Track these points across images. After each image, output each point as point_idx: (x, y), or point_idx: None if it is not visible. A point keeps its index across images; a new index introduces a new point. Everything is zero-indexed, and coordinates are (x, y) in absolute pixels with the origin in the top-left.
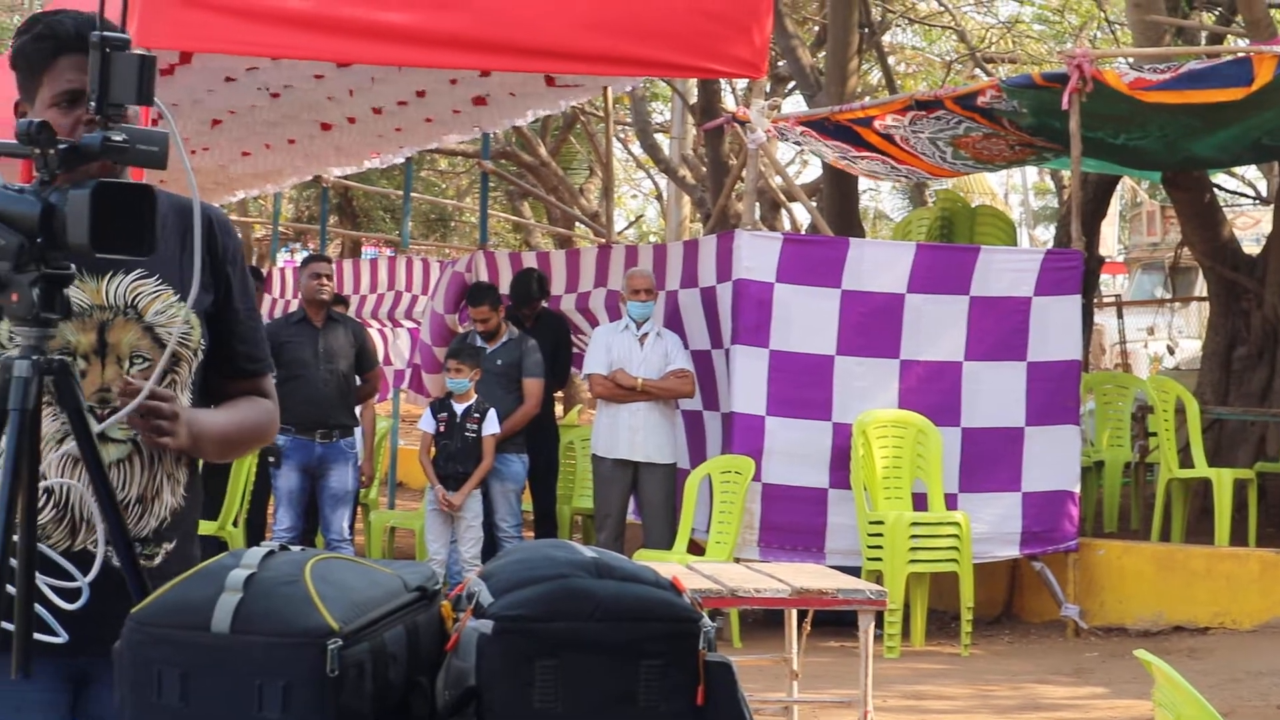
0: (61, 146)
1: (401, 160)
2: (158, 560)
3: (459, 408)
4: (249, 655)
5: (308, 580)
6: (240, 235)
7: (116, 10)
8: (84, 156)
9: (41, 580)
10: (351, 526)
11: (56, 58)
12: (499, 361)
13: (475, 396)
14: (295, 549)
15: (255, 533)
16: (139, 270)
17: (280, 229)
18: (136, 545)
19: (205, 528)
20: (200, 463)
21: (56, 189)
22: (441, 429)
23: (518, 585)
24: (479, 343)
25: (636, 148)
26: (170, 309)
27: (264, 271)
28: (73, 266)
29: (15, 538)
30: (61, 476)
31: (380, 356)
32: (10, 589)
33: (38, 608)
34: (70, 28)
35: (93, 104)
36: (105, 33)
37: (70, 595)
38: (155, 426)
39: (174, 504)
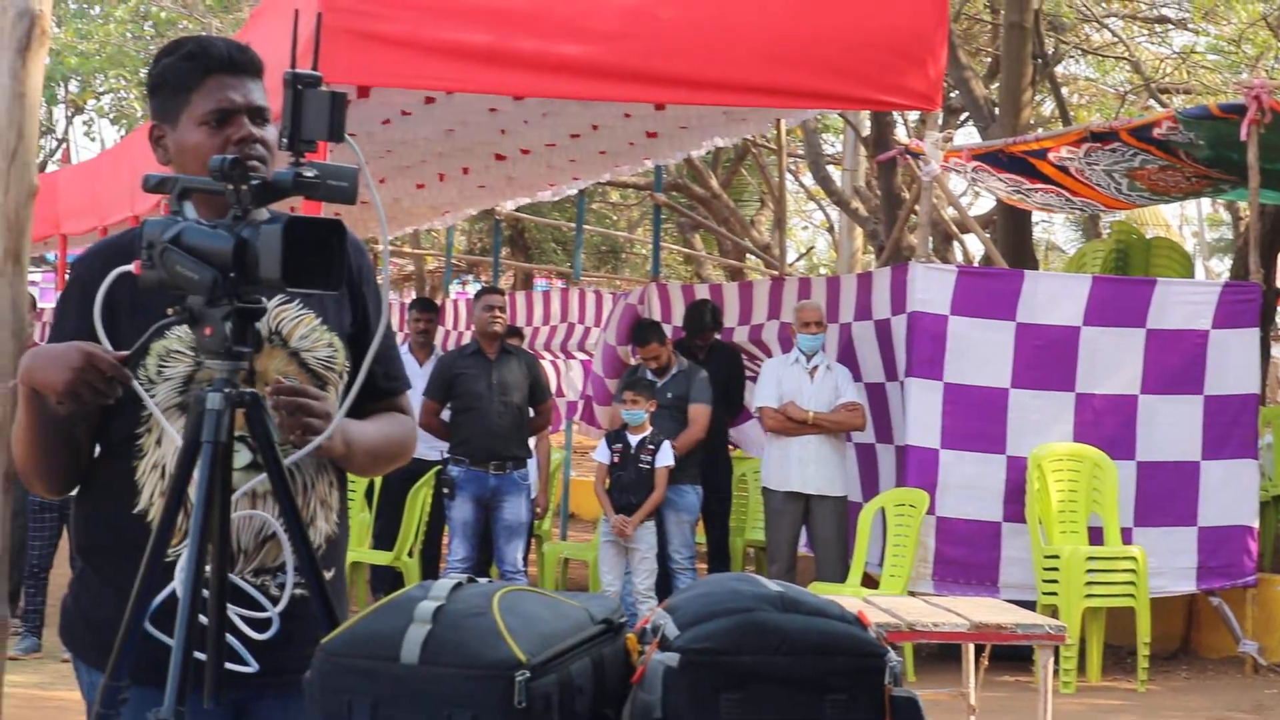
0: (254, 182)
1: (574, 192)
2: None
3: (634, 439)
4: (438, 687)
5: (496, 612)
6: (413, 267)
7: (308, 48)
8: (276, 192)
9: (232, 611)
10: (525, 558)
11: (207, 77)
12: (669, 394)
13: (650, 428)
14: (482, 581)
15: (430, 564)
16: (281, 296)
17: (453, 261)
18: (289, 572)
19: (380, 558)
20: (348, 487)
21: (249, 224)
22: (616, 460)
23: (703, 618)
24: (650, 375)
25: (808, 179)
26: (314, 334)
27: (437, 303)
28: (264, 300)
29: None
30: (267, 510)
31: (553, 388)
32: (204, 619)
33: (231, 638)
34: (222, 49)
35: (285, 140)
36: (297, 70)
37: (261, 625)
38: (307, 424)
39: (329, 530)
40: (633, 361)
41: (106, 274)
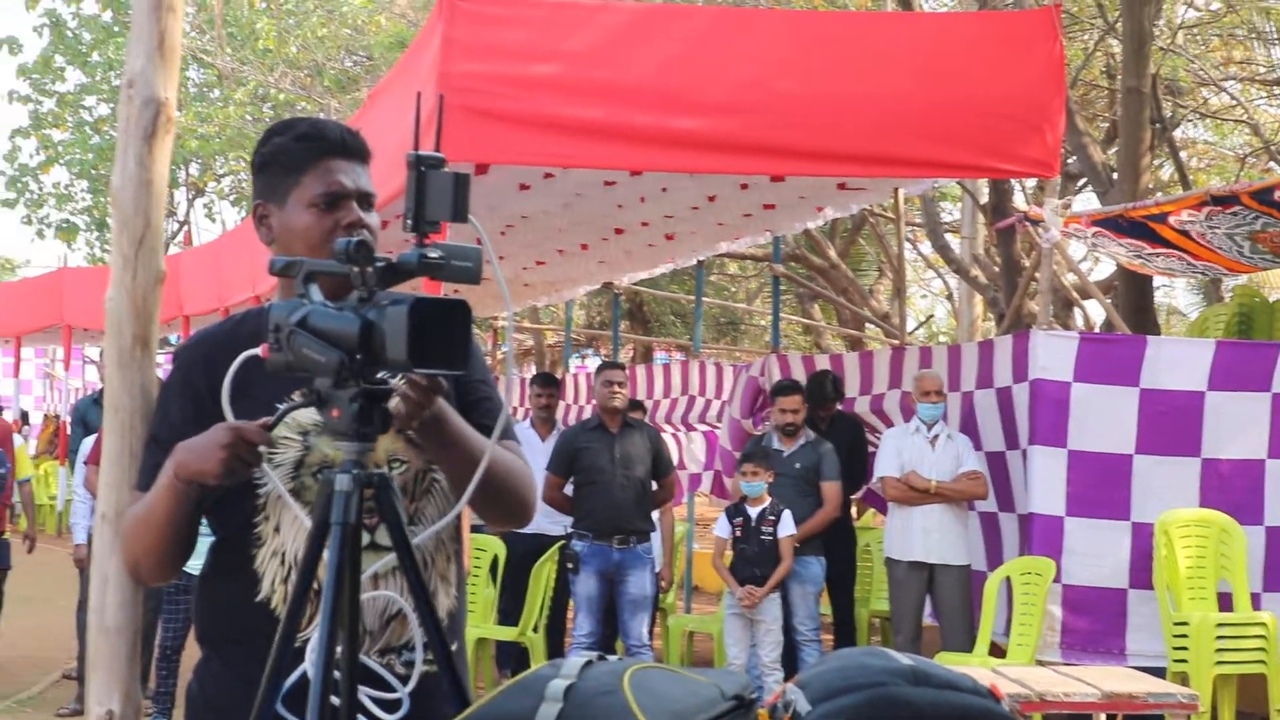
0: (379, 264)
1: (693, 264)
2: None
3: (753, 511)
4: None
5: (627, 690)
6: (533, 342)
7: (429, 128)
8: (401, 274)
9: (362, 692)
10: (650, 632)
11: (319, 159)
12: (797, 465)
13: (770, 499)
14: (612, 659)
15: (555, 639)
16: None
17: (572, 335)
18: (418, 650)
19: (505, 634)
20: (469, 563)
21: (375, 306)
22: (738, 533)
23: (835, 693)
24: (775, 445)
25: (926, 247)
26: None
27: (558, 376)
28: (391, 382)
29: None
30: (390, 589)
31: (675, 461)
32: (336, 700)
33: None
34: (335, 132)
35: (409, 222)
36: (420, 151)
37: (390, 706)
38: (418, 405)
39: (449, 605)
40: (755, 433)
41: (207, 365)
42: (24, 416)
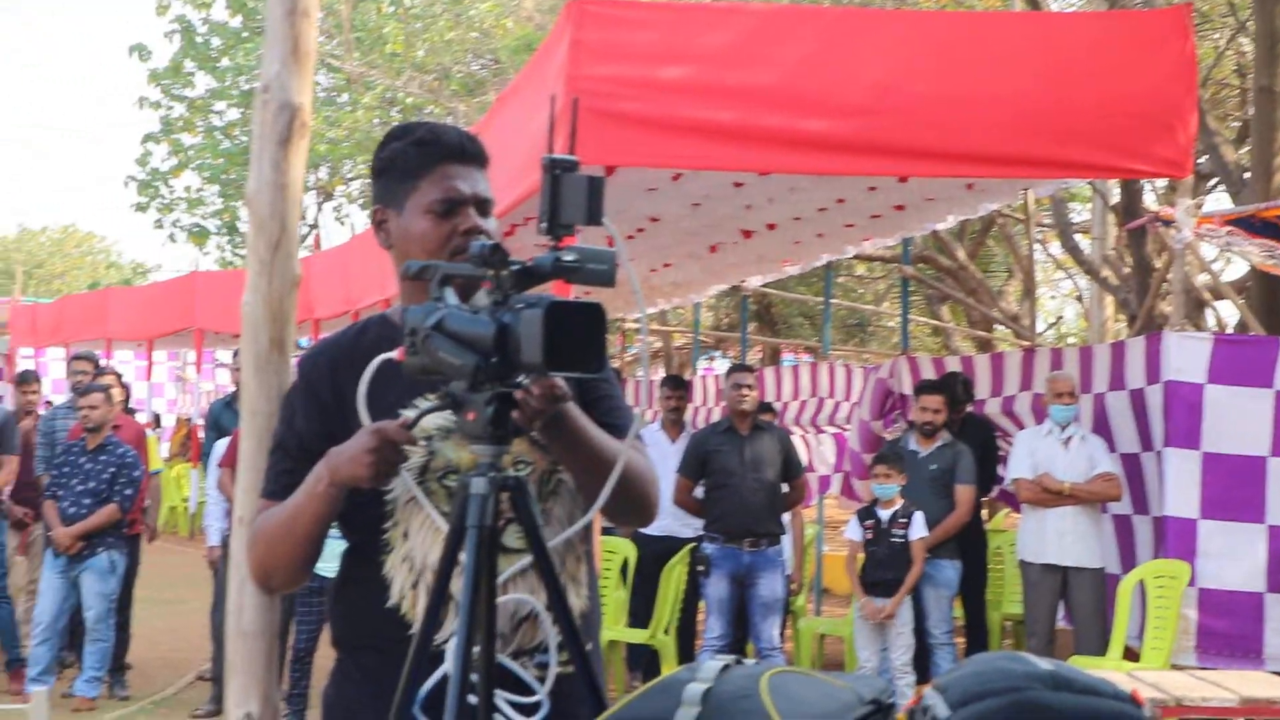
0: (514, 267)
1: (821, 265)
2: (572, 666)
3: (884, 514)
4: None
5: (764, 694)
6: (661, 344)
7: (564, 133)
8: (536, 277)
9: (500, 695)
10: (781, 634)
11: (437, 165)
12: (932, 466)
13: (901, 501)
14: (749, 662)
15: (685, 642)
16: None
17: (700, 337)
18: (552, 652)
19: (636, 636)
20: (600, 564)
21: (510, 309)
22: (869, 536)
23: (974, 698)
24: (912, 445)
25: (1055, 248)
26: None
27: (686, 378)
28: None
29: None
30: (519, 592)
31: (805, 463)
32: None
33: None
34: (454, 137)
35: (543, 225)
36: (554, 154)
37: (528, 710)
38: (537, 409)
39: (581, 606)
40: (886, 435)
41: (331, 372)
42: (156, 419)
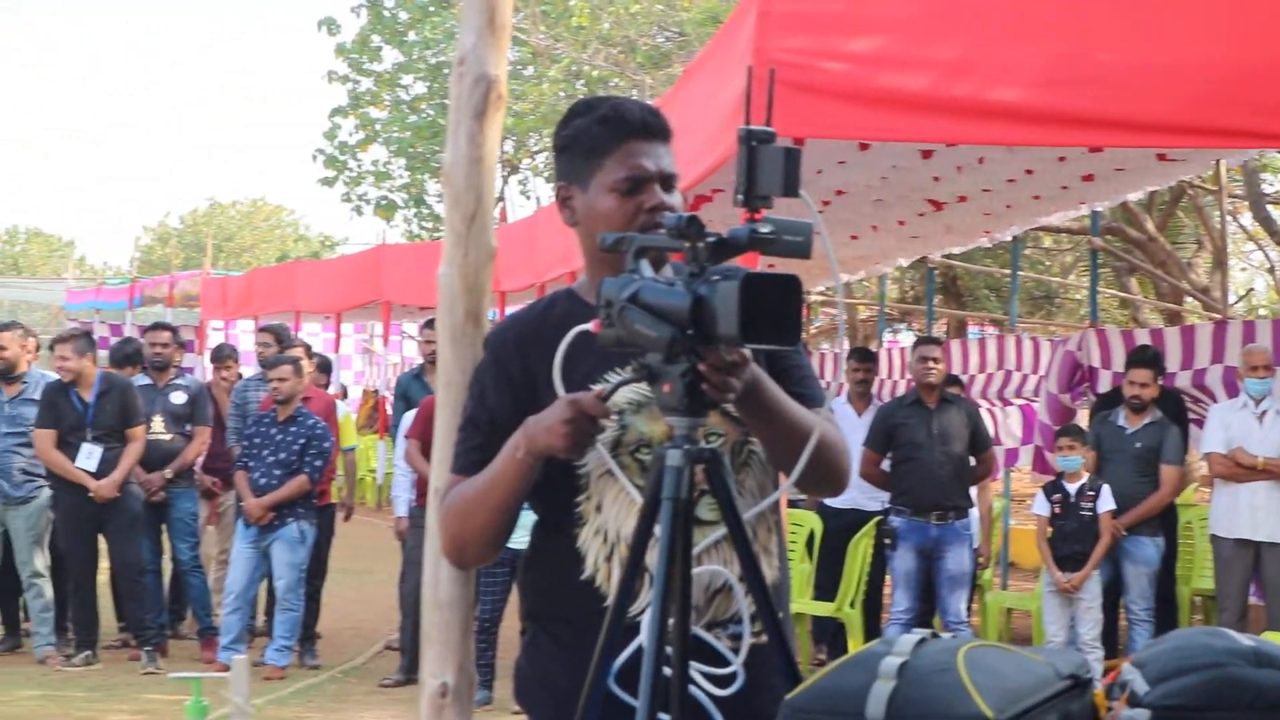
0: (710, 240)
1: (1009, 238)
2: (765, 636)
3: (1071, 487)
4: None
5: (961, 668)
6: (846, 316)
7: (760, 104)
8: (732, 249)
9: (695, 668)
10: (968, 609)
11: (621, 142)
12: (1138, 444)
13: (1087, 475)
14: (945, 636)
15: (872, 615)
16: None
17: (886, 310)
18: (745, 624)
19: (822, 609)
20: (787, 537)
21: (705, 281)
22: (1057, 510)
23: (1174, 674)
24: (1120, 421)
25: (1246, 219)
26: None
27: (872, 350)
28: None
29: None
30: (712, 563)
31: (992, 436)
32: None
33: (694, 692)
34: (637, 113)
35: (739, 197)
36: (751, 126)
37: (723, 681)
38: (720, 385)
39: (772, 576)
40: (1075, 407)
41: (519, 347)
42: (343, 391)
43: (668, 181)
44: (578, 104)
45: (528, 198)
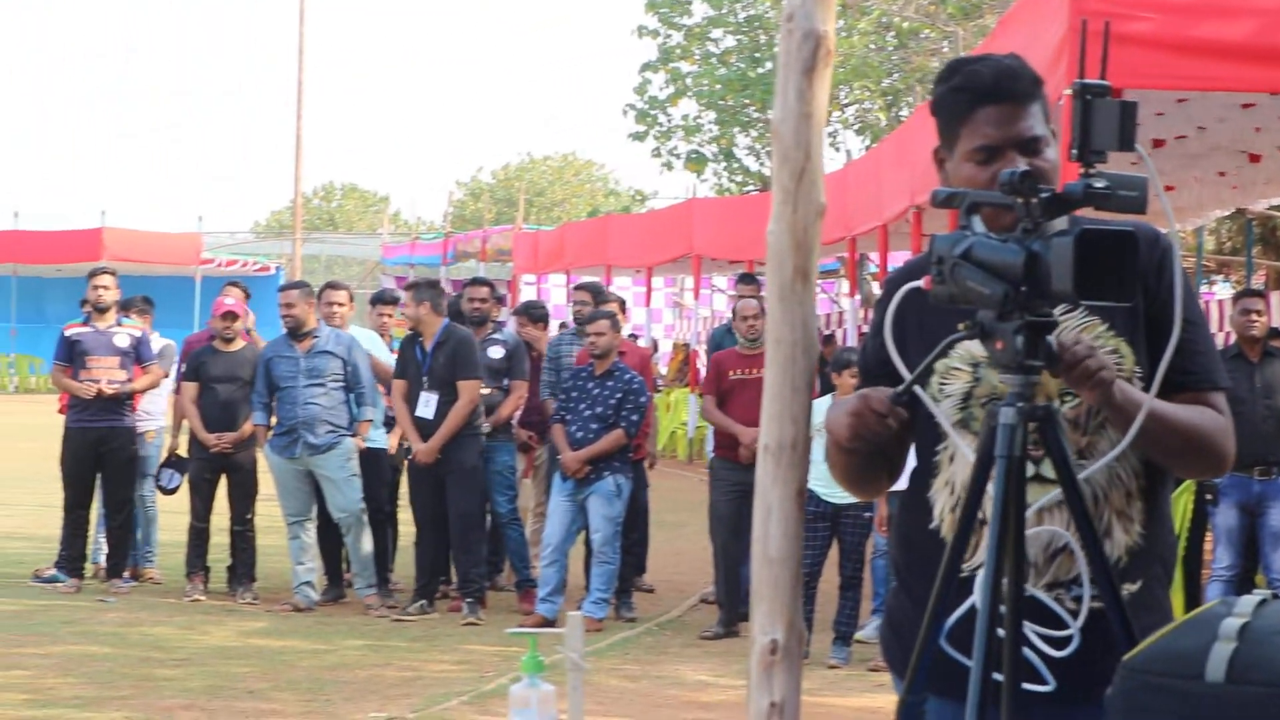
0: (1044, 195)
1: None
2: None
3: None
4: (1244, 706)
5: None
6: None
7: (1095, 58)
8: (1067, 204)
9: (1029, 628)
10: None
11: (973, 110)
12: None
13: None
14: None
15: (1192, 572)
16: (1061, 307)
17: (1203, 262)
18: (1086, 586)
19: None
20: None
21: (1039, 237)
22: None
23: None
24: None
25: None
26: (1096, 341)
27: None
28: (1055, 314)
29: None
30: (1042, 524)
31: None
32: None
33: (1028, 654)
34: (988, 79)
35: (1074, 151)
36: (1085, 80)
37: (1058, 643)
38: (1096, 374)
39: (1128, 542)
40: None
41: (885, 297)
42: (654, 345)
43: (1029, 145)
44: (945, 68)
45: (837, 150)
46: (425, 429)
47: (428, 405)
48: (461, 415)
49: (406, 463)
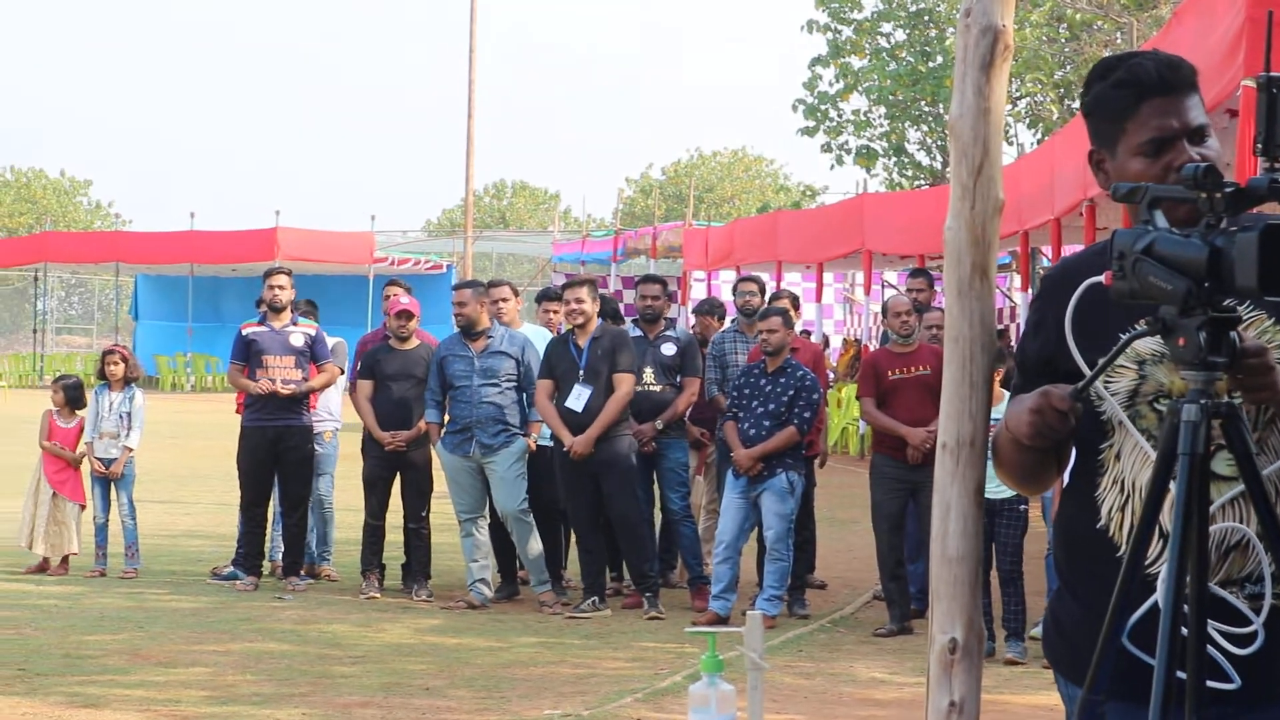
0: (1227, 189)
1: None
2: None
3: None
4: None
5: None
6: None
7: (1235, 45)
8: (1250, 198)
9: (1211, 625)
10: None
11: (1139, 104)
12: None
13: None
14: None
15: None
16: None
17: None
18: (1267, 582)
19: None
20: None
21: (1222, 232)
22: None
23: None
24: None
25: None
26: (1264, 336)
27: None
28: (1239, 310)
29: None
30: (1227, 520)
31: None
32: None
33: (1210, 652)
34: (1151, 71)
35: (1259, 145)
36: (1271, 73)
37: (1241, 640)
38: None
39: None
40: None
41: (1055, 293)
42: (825, 341)
43: (1195, 134)
44: (1097, 67)
45: (1010, 143)
46: (573, 422)
47: (579, 398)
48: (620, 405)
49: (557, 460)
